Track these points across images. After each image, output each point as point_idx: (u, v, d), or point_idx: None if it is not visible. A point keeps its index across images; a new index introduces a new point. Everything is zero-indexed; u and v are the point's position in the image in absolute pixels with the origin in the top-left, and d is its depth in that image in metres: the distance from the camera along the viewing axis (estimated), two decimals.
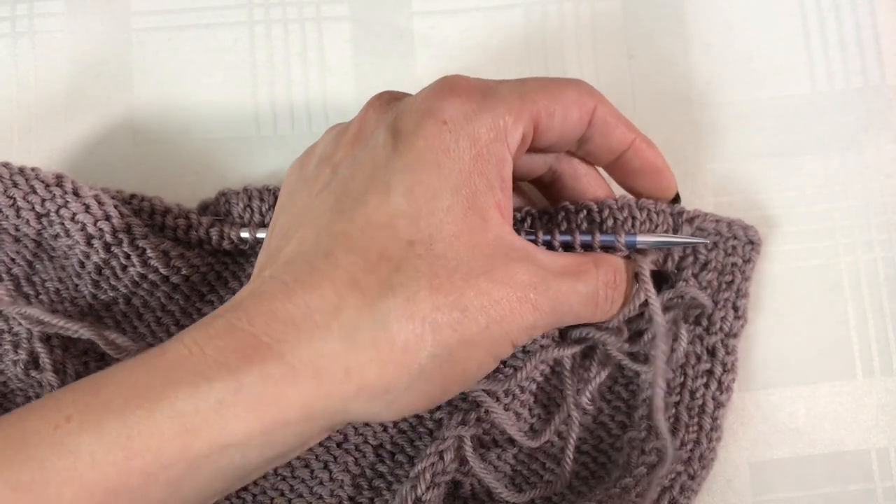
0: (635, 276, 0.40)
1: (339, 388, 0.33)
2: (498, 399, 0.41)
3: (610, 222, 0.40)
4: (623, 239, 0.40)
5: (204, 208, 0.44)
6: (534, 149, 0.39)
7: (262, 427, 0.32)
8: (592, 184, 0.43)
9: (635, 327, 0.42)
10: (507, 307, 0.35)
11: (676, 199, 0.43)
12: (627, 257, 0.40)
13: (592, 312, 0.39)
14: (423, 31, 0.49)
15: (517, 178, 0.42)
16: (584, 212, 0.41)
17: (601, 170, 0.43)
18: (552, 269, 0.37)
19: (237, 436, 0.32)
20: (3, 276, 0.43)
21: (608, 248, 0.40)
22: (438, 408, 0.42)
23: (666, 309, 0.41)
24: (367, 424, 0.42)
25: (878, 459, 0.44)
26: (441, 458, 0.40)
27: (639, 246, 0.40)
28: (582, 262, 0.38)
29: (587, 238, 0.40)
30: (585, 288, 0.38)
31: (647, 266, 0.40)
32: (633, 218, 0.41)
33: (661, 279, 0.42)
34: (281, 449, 0.33)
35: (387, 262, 0.34)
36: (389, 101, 0.38)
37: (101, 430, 0.31)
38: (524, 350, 0.42)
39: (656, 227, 0.41)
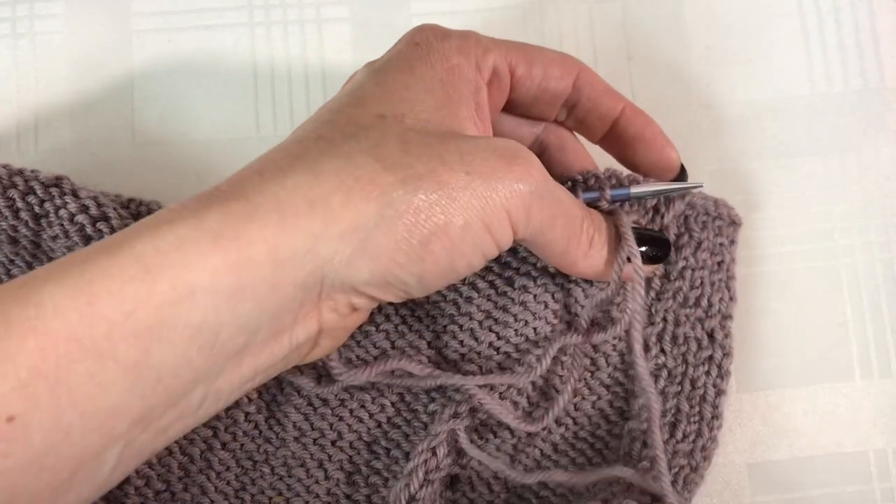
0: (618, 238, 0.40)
1: (303, 220, 0.31)
2: (493, 388, 0.41)
3: (595, 187, 0.40)
4: (609, 193, 0.40)
5: None
6: (516, 105, 0.40)
7: (226, 264, 0.30)
8: (579, 156, 0.43)
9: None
10: (494, 165, 0.33)
11: (682, 172, 0.43)
12: (610, 213, 0.40)
13: (579, 225, 0.37)
14: None
15: None
16: (569, 183, 0.40)
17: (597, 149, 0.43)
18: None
19: (202, 276, 0.30)
20: (3, 277, 0.43)
21: (594, 203, 0.40)
22: (433, 400, 0.42)
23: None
24: (360, 421, 0.42)
25: (876, 461, 0.44)
26: (434, 453, 0.39)
27: (631, 196, 0.40)
28: None
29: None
30: (571, 198, 0.37)
31: (627, 219, 0.40)
32: (622, 186, 0.40)
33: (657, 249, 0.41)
34: (254, 304, 0.31)
35: (355, 125, 0.34)
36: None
37: (63, 278, 0.29)
38: (528, 340, 0.41)
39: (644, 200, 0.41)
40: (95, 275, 0.29)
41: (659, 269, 0.43)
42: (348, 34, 0.49)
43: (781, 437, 0.44)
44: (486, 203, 0.33)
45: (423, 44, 0.37)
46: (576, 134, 0.43)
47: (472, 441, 0.41)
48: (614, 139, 0.42)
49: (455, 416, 0.40)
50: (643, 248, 0.39)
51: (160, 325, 0.30)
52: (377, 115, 0.34)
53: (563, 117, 0.41)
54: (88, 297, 0.29)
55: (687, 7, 0.49)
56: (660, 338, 0.42)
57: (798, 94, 0.48)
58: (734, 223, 0.44)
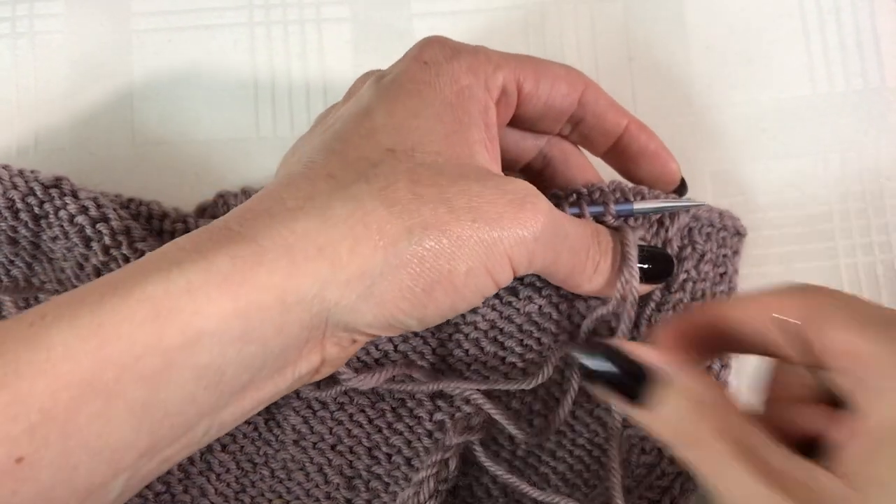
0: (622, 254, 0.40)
1: (312, 266, 0.31)
2: (499, 399, 0.41)
3: (600, 201, 0.40)
4: (613, 207, 0.40)
5: (202, 211, 0.44)
6: (522, 120, 0.39)
7: (234, 309, 0.30)
8: (583, 170, 0.43)
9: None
10: (500, 210, 0.33)
11: (682, 185, 0.43)
12: (616, 229, 0.40)
13: (585, 254, 0.38)
14: (422, 32, 0.49)
15: (509, 164, 0.42)
16: (574, 196, 0.40)
17: (600, 162, 0.43)
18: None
19: (210, 321, 0.30)
20: (3, 277, 0.43)
21: (599, 217, 0.40)
22: (438, 409, 0.42)
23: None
24: (360, 426, 0.42)
25: None
26: (446, 465, 0.39)
27: (636, 212, 0.40)
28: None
29: (576, 210, 0.40)
30: (577, 224, 0.37)
31: (632, 237, 0.40)
32: (626, 200, 0.41)
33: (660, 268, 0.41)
34: (259, 345, 0.32)
35: (365, 160, 0.34)
36: (373, 71, 0.39)
37: (74, 320, 0.30)
38: (526, 344, 0.42)
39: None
40: (105, 318, 0.30)
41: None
42: (348, 34, 0.49)
43: None
44: (491, 250, 0.33)
45: (432, 63, 0.36)
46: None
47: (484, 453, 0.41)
48: (617, 154, 0.42)
49: (469, 428, 0.40)
50: (646, 266, 0.40)
51: (168, 367, 0.30)
52: (387, 150, 0.34)
53: (567, 132, 0.41)
54: (99, 341, 0.29)
55: (688, 7, 0.49)
56: None
57: (799, 95, 0.48)
58: (738, 234, 0.44)
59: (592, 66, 0.48)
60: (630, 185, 0.41)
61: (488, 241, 0.33)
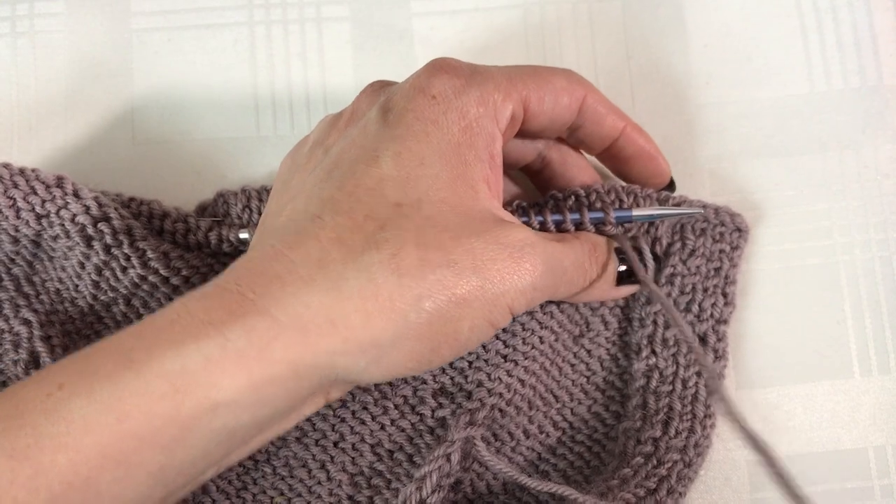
0: (617, 253, 0.41)
1: (325, 340, 0.32)
2: (501, 395, 0.41)
3: (598, 205, 0.41)
4: (613, 214, 0.40)
5: (202, 210, 0.45)
6: (524, 133, 0.40)
7: (249, 383, 0.32)
8: (581, 170, 0.43)
9: (626, 314, 0.43)
10: (501, 266, 0.34)
11: (671, 184, 0.44)
12: (613, 236, 0.41)
13: (583, 279, 0.39)
14: (422, 31, 0.49)
15: (508, 165, 0.42)
16: (573, 198, 0.41)
17: (592, 158, 0.44)
18: (541, 236, 0.37)
19: (226, 393, 0.31)
20: (3, 276, 0.43)
21: (599, 225, 0.41)
22: (440, 405, 0.42)
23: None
24: (363, 423, 0.42)
25: (876, 457, 0.44)
26: (448, 460, 0.40)
27: (634, 219, 0.41)
28: (565, 235, 0.39)
29: (576, 216, 0.40)
30: (574, 252, 0.38)
31: (626, 240, 0.41)
32: (621, 201, 0.41)
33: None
34: (271, 409, 0.33)
35: (373, 220, 0.34)
36: (382, 86, 0.39)
37: (92, 394, 0.31)
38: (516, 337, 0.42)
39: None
40: (124, 392, 0.31)
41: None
42: (348, 33, 0.49)
43: (781, 435, 0.45)
44: (494, 305, 0.34)
45: (441, 98, 0.36)
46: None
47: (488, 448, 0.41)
48: (613, 155, 0.42)
49: (471, 423, 0.40)
50: (624, 269, 0.41)
51: (186, 435, 0.31)
52: (394, 205, 0.34)
53: (565, 135, 0.42)
54: (118, 415, 0.30)
55: (686, 6, 0.49)
56: (651, 340, 0.43)
57: (797, 93, 0.48)
58: (739, 230, 0.44)
59: (591, 65, 0.48)
60: (623, 185, 0.42)
61: (492, 299, 0.34)
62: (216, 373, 0.31)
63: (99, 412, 0.30)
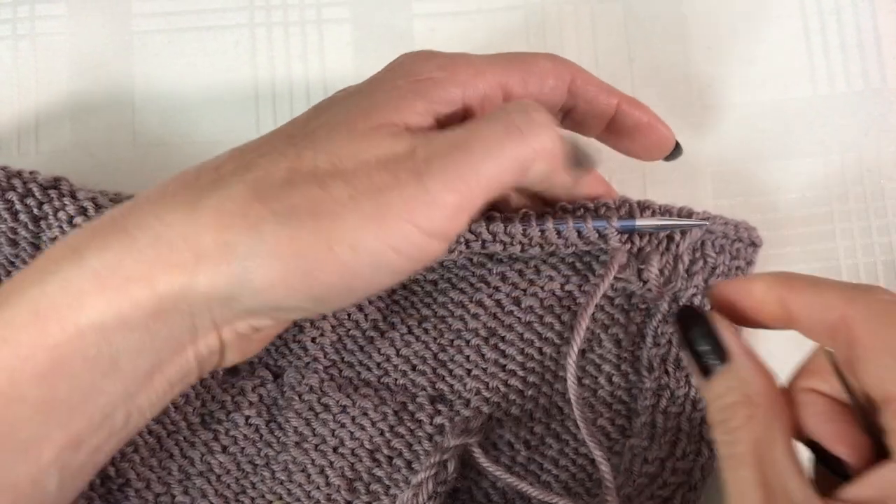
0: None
1: (177, 256, 0.31)
2: (498, 404, 0.41)
3: (602, 211, 0.41)
4: (616, 224, 0.40)
5: None
6: None
7: (110, 304, 0.31)
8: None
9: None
10: (378, 180, 0.32)
11: (677, 148, 0.43)
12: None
13: (523, 143, 0.33)
14: (423, 33, 0.49)
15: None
16: (581, 210, 0.41)
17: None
18: (443, 133, 0.33)
19: (90, 315, 0.31)
20: (2, 278, 0.43)
21: (603, 235, 0.40)
22: (438, 412, 0.42)
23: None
24: (362, 428, 0.42)
25: None
26: (444, 467, 0.39)
27: (637, 229, 0.40)
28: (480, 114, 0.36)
29: (580, 225, 0.40)
30: (489, 123, 0.34)
31: (619, 255, 0.40)
32: (631, 217, 0.41)
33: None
34: (142, 332, 0.32)
35: (255, 152, 0.33)
36: None
37: None
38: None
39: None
40: None
41: (668, 295, 0.42)
42: (349, 35, 0.49)
43: None
44: (384, 221, 0.31)
45: (396, 64, 0.36)
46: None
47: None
48: (612, 133, 0.41)
49: (467, 430, 0.40)
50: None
51: (58, 364, 0.31)
52: (287, 135, 0.34)
53: (559, 120, 0.41)
54: None
55: (688, 7, 0.49)
56: (664, 359, 0.42)
57: (800, 95, 0.48)
58: (754, 244, 0.43)
59: (593, 67, 0.48)
60: (635, 201, 0.41)
61: (370, 213, 0.31)
62: (73, 293, 0.31)
63: None
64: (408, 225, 0.31)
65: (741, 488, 0.29)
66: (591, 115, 0.40)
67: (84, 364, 0.31)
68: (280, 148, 0.33)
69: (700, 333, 0.33)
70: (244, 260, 0.31)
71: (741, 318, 0.34)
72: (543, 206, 0.43)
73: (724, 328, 0.33)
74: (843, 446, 0.31)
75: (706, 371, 0.32)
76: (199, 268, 0.31)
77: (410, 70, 0.35)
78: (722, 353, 0.32)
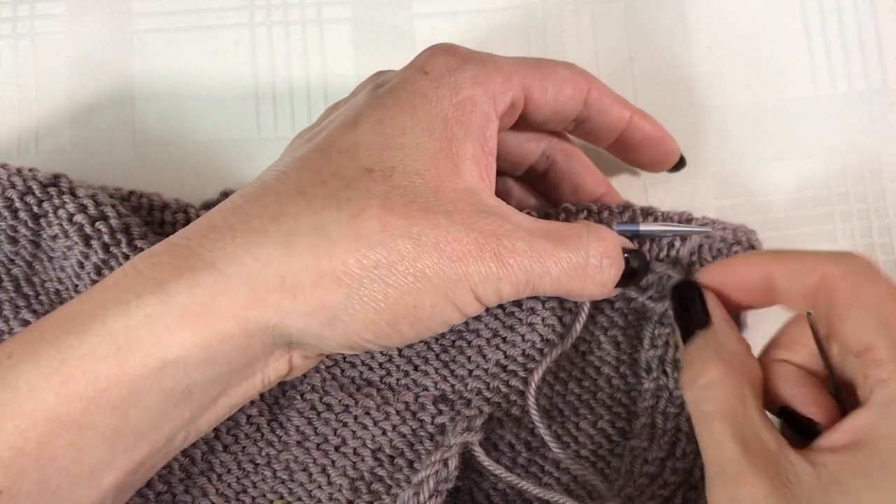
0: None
1: (273, 296, 0.31)
2: (499, 404, 0.41)
3: (605, 215, 0.40)
4: (616, 227, 0.40)
5: (207, 208, 0.44)
6: (527, 125, 0.39)
7: (196, 340, 0.31)
8: (586, 169, 0.43)
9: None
10: (465, 248, 0.33)
11: (681, 161, 0.43)
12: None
13: (582, 284, 0.36)
14: (424, 32, 0.49)
15: (512, 164, 0.42)
16: (584, 212, 0.41)
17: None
18: (529, 229, 0.35)
19: (173, 350, 0.31)
20: (3, 276, 0.43)
21: None
22: (440, 412, 0.42)
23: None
24: (364, 427, 0.42)
25: None
26: (445, 465, 0.39)
27: (640, 234, 0.40)
28: (571, 227, 0.36)
29: None
30: (570, 255, 0.35)
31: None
32: (634, 222, 0.41)
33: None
34: (225, 366, 0.32)
35: (339, 179, 0.33)
36: (381, 74, 0.39)
37: (37, 359, 0.30)
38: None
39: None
40: (67, 355, 0.30)
41: (665, 299, 0.41)
42: (349, 34, 0.49)
43: None
44: (456, 287, 0.33)
45: (433, 74, 0.35)
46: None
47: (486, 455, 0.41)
48: (620, 145, 0.42)
49: (468, 429, 0.40)
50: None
51: (135, 395, 0.31)
52: (364, 169, 0.33)
53: (570, 129, 0.41)
54: (62, 378, 0.30)
55: (689, 7, 0.49)
56: (661, 361, 0.42)
57: (801, 96, 0.48)
58: (752, 247, 0.43)
59: (593, 67, 0.48)
60: (639, 207, 0.41)
61: (452, 279, 0.33)
62: (159, 329, 0.31)
63: (43, 376, 0.30)
64: (471, 294, 0.34)
65: (718, 440, 0.31)
66: (604, 127, 0.41)
67: (159, 396, 0.31)
68: (363, 183, 0.33)
69: (690, 300, 0.36)
70: (341, 308, 0.32)
71: (727, 302, 0.36)
72: (546, 204, 0.43)
73: (710, 297, 0.36)
74: (814, 407, 0.33)
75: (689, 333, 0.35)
76: (295, 309, 0.32)
77: (450, 82, 0.35)
78: (707, 321, 0.35)
